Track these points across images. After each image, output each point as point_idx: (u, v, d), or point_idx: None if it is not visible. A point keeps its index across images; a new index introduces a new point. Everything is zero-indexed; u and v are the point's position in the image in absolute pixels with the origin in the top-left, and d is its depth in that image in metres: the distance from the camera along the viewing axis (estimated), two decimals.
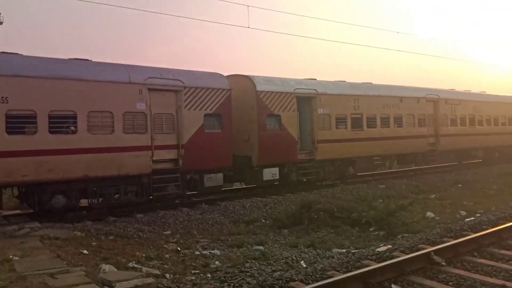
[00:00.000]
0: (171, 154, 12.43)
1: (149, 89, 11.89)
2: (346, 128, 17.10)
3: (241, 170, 15.10)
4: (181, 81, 12.55)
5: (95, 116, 10.97)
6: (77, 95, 10.65)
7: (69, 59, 11.41)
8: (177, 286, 6.39)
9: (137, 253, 8.27)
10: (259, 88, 14.41)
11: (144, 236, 10.04)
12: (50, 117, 10.29)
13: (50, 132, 10.31)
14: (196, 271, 7.36)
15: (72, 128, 10.71)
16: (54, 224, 10.07)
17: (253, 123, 14.45)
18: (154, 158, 12.01)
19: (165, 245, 9.23)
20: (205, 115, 12.99)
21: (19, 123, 9.97)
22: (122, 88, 11.42)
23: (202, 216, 11.96)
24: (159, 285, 6.15)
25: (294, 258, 7.91)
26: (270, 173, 14.77)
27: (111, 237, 9.64)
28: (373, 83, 19.42)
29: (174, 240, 9.84)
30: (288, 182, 15.74)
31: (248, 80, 14.68)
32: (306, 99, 16.06)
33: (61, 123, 10.56)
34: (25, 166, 9.94)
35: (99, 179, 11.18)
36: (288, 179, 15.67)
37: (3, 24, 42.33)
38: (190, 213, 12.18)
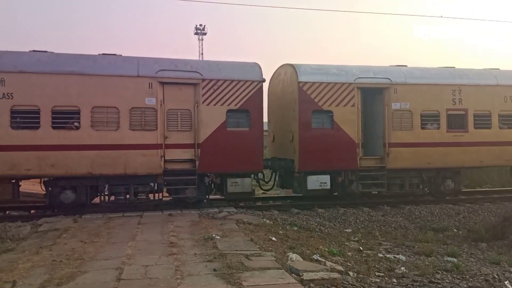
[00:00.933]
0: (187, 154, 11.28)
1: (162, 83, 10.99)
2: (438, 128, 13.04)
3: (290, 175, 12.97)
4: (199, 73, 11.26)
5: (99, 112, 10.62)
6: (81, 90, 10.45)
7: (92, 55, 11.37)
8: (361, 286, 6.26)
9: (320, 246, 8.37)
10: (302, 78, 12.00)
11: (326, 231, 10.28)
12: (53, 112, 10.34)
13: (53, 127, 10.36)
14: (380, 273, 7.16)
15: (76, 124, 10.57)
16: (247, 211, 11.25)
17: (295, 120, 12.12)
18: (166, 158, 11.06)
19: (346, 243, 9.20)
20: (228, 111, 11.41)
21: (23, 118, 10.26)
22: (129, 82, 10.79)
23: (384, 218, 11.76)
24: (344, 282, 6.10)
25: (496, 276, 7.23)
26: (318, 181, 12.16)
27: (295, 228, 10.06)
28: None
29: (355, 239, 9.75)
30: (348, 194, 12.82)
31: (291, 69, 12.43)
32: (374, 91, 12.83)
33: (64, 118, 10.52)
34: (28, 161, 10.18)
35: (107, 177, 10.80)
36: (348, 191, 12.75)
37: (207, 34, 48.62)
38: (371, 213, 12.00)
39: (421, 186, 13.29)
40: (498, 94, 13.53)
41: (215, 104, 11.30)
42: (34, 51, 10.94)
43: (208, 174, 11.53)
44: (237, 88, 11.45)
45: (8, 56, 10.39)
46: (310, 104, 12.00)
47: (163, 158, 10.99)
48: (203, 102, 11.21)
